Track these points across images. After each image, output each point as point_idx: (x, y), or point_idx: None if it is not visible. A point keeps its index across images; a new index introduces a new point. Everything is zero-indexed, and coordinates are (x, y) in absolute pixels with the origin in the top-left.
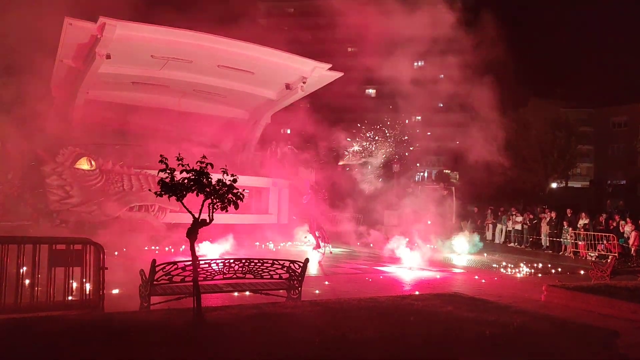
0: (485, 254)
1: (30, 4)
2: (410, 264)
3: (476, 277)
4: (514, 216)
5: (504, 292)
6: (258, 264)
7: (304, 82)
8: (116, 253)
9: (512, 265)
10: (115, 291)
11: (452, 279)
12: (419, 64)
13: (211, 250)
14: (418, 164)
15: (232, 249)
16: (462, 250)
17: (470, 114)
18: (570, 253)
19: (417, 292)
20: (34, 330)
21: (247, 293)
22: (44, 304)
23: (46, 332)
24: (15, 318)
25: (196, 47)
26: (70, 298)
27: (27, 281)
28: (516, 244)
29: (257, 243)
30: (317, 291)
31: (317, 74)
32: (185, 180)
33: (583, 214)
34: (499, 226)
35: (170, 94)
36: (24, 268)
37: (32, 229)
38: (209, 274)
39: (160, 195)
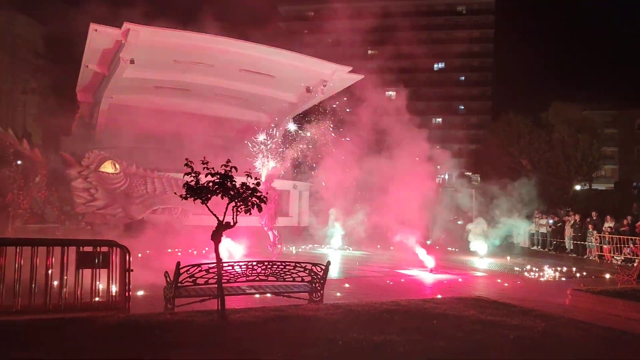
0: (508, 257)
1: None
2: (431, 266)
3: (499, 280)
4: (537, 219)
5: (527, 296)
6: (280, 267)
7: (325, 85)
8: (140, 255)
9: (536, 269)
10: (140, 293)
11: (474, 282)
12: (439, 65)
13: (233, 252)
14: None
15: (254, 251)
16: (483, 253)
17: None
18: (595, 256)
19: (439, 296)
20: (63, 331)
21: (269, 295)
22: (71, 305)
23: (74, 333)
24: (44, 319)
25: (218, 52)
26: (96, 299)
27: (55, 282)
28: (539, 247)
29: (279, 245)
30: (338, 294)
31: (338, 76)
32: (210, 184)
33: (608, 216)
34: (522, 229)
35: (192, 98)
36: (52, 270)
37: (59, 230)
38: (232, 276)
39: (186, 198)
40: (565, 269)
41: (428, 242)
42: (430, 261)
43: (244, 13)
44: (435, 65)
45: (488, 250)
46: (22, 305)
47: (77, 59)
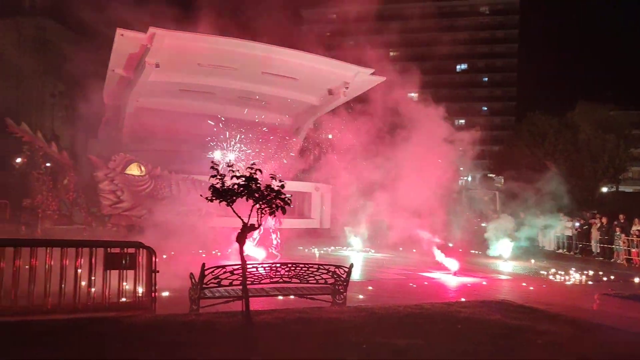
0: (532, 260)
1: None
2: (454, 269)
3: (523, 284)
4: (562, 221)
5: (553, 300)
6: (304, 269)
7: (347, 87)
8: (165, 256)
9: (562, 272)
10: (165, 294)
11: (499, 286)
12: (462, 67)
13: (256, 254)
14: (462, 168)
15: (276, 253)
16: (507, 256)
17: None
18: (622, 260)
19: (463, 299)
20: (92, 331)
21: (292, 297)
22: (99, 305)
23: (103, 333)
24: (73, 318)
25: (241, 55)
26: (123, 300)
27: (83, 283)
28: (565, 250)
29: (301, 247)
30: (360, 296)
31: (360, 78)
32: (235, 186)
33: (636, 219)
34: (547, 232)
35: (216, 100)
36: (81, 270)
37: (86, 232)
38: (256, 277)
39: (211, 200)
40: (592, 272)
41: (450, 245)
42: (453, 264)
43: (266, 16)
44: (458, 67)
45: (512, 253)
46: (52, 305)
47: (104, 63)
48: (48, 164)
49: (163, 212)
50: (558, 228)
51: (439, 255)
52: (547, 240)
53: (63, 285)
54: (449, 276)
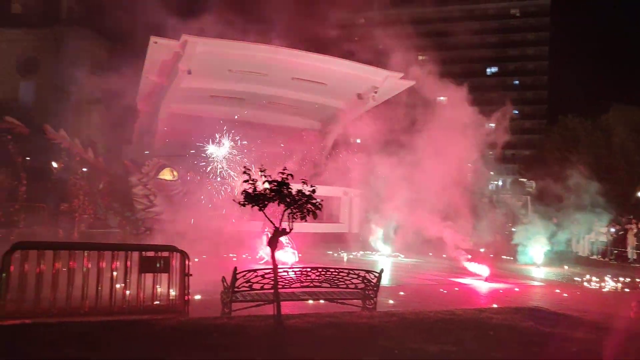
0: (565, 266)
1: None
2: (485, 275)
3: (557, 290)
4: (597, 227)
5: (588, 308)
6: (334, 273)
7: (376, 92)
8: (196, 259)
9: (596, 279)
10: (197, 297)
11: (531, 292)
12: (492, 70)
13: (286, 258)
14: (492, 172)
15: (305, 257)
16: (540, 262)
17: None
18: None
19: (494, 305)
20: (127, 333)
21: (322, 301)
22: (134, 307)
23: (138, 335)
24: (109, 320)
25: (271, 61)
26: (156, 302)
27: (118, 286)
28: (599, 256)
29: (330, 252)
30: (391, 301)
31: (389, 83)
32: (267, 191)
33: None
34: (580, 238)
35: (246, 106)
36: (117, 273)
37: (120, 235)
38: (287, 281)
39: (244, 205)
40: (628, 279)
41: (481, 250)
42: (484, 269)
43: (295, 22)
44: (488, 70)
45: (544, 259)
46: (89, 307)
47: (138, 70)
48: (84, 169)
49: (194, 216)
50: (592, 233)
51: (470, 261)
52: (580, 246)
53: (100, 288)
54: (480, 282)
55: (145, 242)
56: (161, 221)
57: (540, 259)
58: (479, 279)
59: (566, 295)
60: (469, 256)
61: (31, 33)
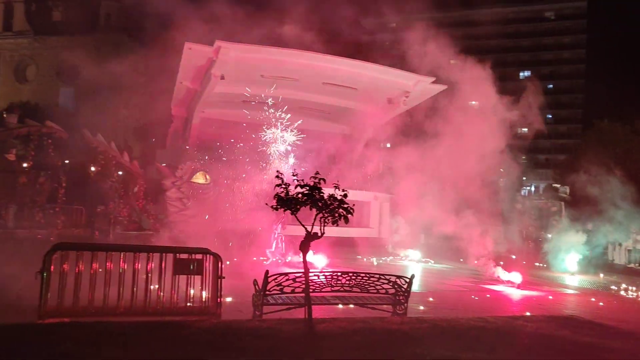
0: (601, 275)
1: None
2: (518, 282)
3: (592, 299)
4: (634, 235)
5: (626, 317)
6: (365, 278)
7: (407, 97)
8: (227, 262)
9: (634, 288)
10: (229, 299)
11: (565, 300)
12: (526, 73)
13: (316, 262)
14: (525, 178)
15: (335, 262)
16: (574, 270)
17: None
18: None
19: (527, 313)
20: (162, 334)
21: (352, 306)
22: (168, 309)
23: (172, 336)
24: (144, 321)
25: (303, 66)
26: (189, 304)
27: (152, 287)
28: (637, 265)
29: (359, 256)
30: (421, 307)
31: (421, 87)
32: (299, 195)
33: None
34: (617, 245)
35: (277, 111)
36: (151, 275)
37: (154, 237)
38: (317, 285)
39: (276, 209)
40: None
41: (513, 257)
42: (516, 276)
43: (326, 26)
44: (521, 74)
45: (579, 267)
46: (125, 308)
47: (172, 76)
48: (120, 173)
49: (226, 219)
50: (630, 241)
51: (502, 268)
52: (617, 253)
53: (135, 289)
54: (513, 289)
55: (178, 244)
56: (194, 224)
57: (575, 267)
58: (511, 286)
59: (602, 304)
60: (501, 263)
61: (71, 40)
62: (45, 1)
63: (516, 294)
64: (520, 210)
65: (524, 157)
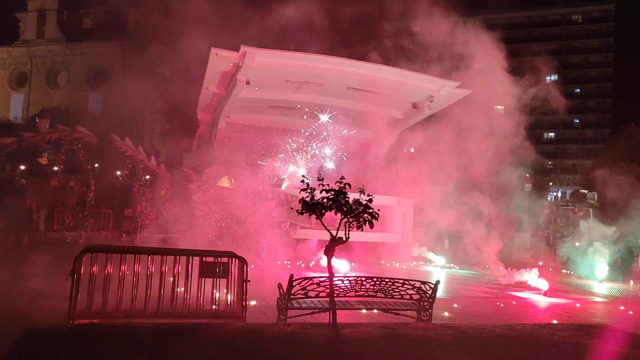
0: (631, 282)
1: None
2: (544, 289)
3: (622, 307)
4: None
5: None
6: (389, 283)
7: (431, 101)
8: (252, 266)
9: None
10: (253, 302)
11: (593, 309)
12: (552, 78)
13: (339, 267)
14: (551, 183)
15: (359, 267)
16: (603, 277)
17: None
18: None
19: (555, 321)
20: (188, 336)
21: (375, 311)
22: (194, 312)
23: (199, 339)
24: (171, 323)
25: (327, 71)
26: (214, 307)
27: (179, 289)
28: None
29: (382, 261)
30: (446, 314)
31: (445, 92)
32: (325, 200)
33: None
34: None
35: (302, 116)
36: (178, 277)
37: (180, 241)
38: (341, 290)
39: (301, 213)
40: None
41: (540, 263)
42: (543, 283)
43: (350, 31)
44: (548, 78)
45: (608, 274)
46: (152, 310)
47: (198, 81)
48: (147, 177)
49: (250, 223)
50: None
51: (528, 274)
52: None
53: (162, 291)
54: (539, 296)
55: (204, 248)
56: (220, 228)
57: (603, 274)
58: (538, 293)
59: (632, 312)
60: (527, 269)
61: (100, 47)
62: (77, 9)
63: (543, 301)
64: (546, 216)
65: (550, 162)
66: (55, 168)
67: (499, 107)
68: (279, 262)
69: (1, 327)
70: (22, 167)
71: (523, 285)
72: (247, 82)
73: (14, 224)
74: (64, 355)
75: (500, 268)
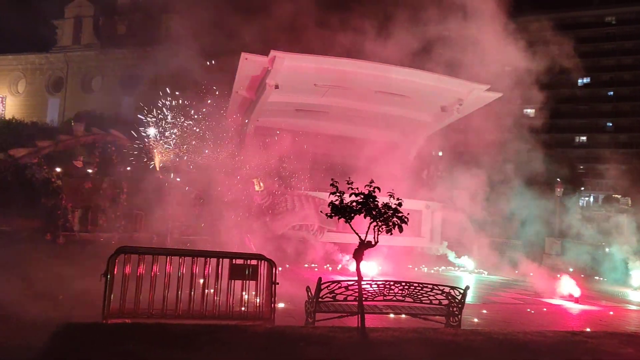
0: None
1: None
2: (576, 296)
3: None
4: None
5: None
6: (418, 288)
7: (460, 104)
8: (280, 269)
9: None
10: (281, 305)
11: (628, 317)
12: (584, 81)
13: (367, 271)
14: (582, 188)
15: (386, 271)
16: (638, 285)
17: None
18: None
19: (588, 329)
20: (218, 337)
21: (403, 316)
22: (224, 313)
23: (229, 340)
24: (202, 324)
25: (356, 75)
26: (243, 309)
27: (208, 291)
28: None
29: (410, 265)
30: (475, 320)
31: (475, 95)
32: (354, 203)
33: None
34: None
35: (330, 119)
36: (208, 279)
37: (209, 242)
38: (369, 294)
39: (331, 216)
40: None
41: (570, 270)
42: (575, 290)
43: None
44: (580, 80)
45: None
46: (183, 311)
47: (228, 85)
48: (178, 179)
49: (279, 226)
50: None
51: (559, 281)
52: None
53: (192, 292)
54: (571, 303)
55: (232, 250)
56: (247, 230)
57: (638, 281)
58: (569, 300)
59: None
60: (558, 275)
61: (133, 52)
62: (112, 15)
63: (575, 308)
64: (578, 221)
65: (581, 167)
66: (90, 170)
67: (528, 110)
68: (306, 265)
69: (39, 322)
70: (58, 169)
71: (554, 292)
72: (276, 86)
73: (50, 224)
74: (98, 352)
75: (531, 274)
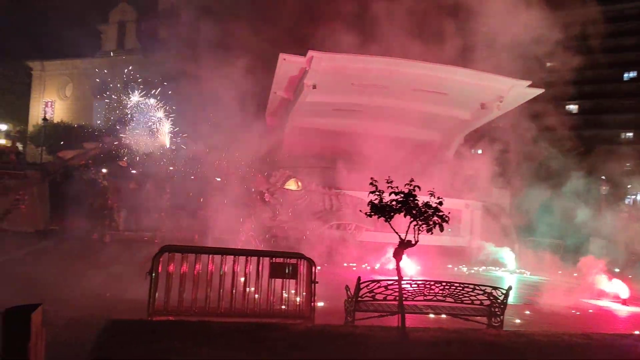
0: None
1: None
2: (624, 298)
3: None
4: None
5: None
6: (459, 288)
7: (501, 101)
8: (319, 268)
9: None
10: (320, 304)
11: None
12: (631, 75)
13: (406, 270)
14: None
15: (426, 271)
16: None
17: None
18: None
19: (637, 332)
20: (260, 335)
21: (443, 316)
22: (264, 311)
23: (270, 338)
24: (244, 322)
25: (392, 73)
26: (283, 307)
27: (249, 289)
28: None
29: (450, 265)
30: (517, 320)
31: (515, 91)
32: (394, 203)
33: None
34: None
35: (367, 118)
36: (249, 277)
37: (249, 242)
38: (409, 294)
39: (370, 215)
40: None
41: (616, 270)
42: (623, 291)
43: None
44: (626, 75)
45: None
46: (225, 309)
47: (267, 86)
48: (218, 179)
49: (317, 225)
50: None
51: (605, 281)
52: None
53: (234, 291)
54: (618, 305)
55: (271, 249)
56: (287, 229)
57: None
58: (617, 302)
59: None
60: (605, 276)
61: (174, 55)
62: (154, 20)
63: (622, 310)
64: (625, 219)
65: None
66: (134, 171)
67: (571, 106)
68: (345, 264)
69: (86, 319)
70: (104, 170)
71: (600, 293)
72: (314, 87)
73: (97, 223)
74: (143, 348)
75: (575, 274)
